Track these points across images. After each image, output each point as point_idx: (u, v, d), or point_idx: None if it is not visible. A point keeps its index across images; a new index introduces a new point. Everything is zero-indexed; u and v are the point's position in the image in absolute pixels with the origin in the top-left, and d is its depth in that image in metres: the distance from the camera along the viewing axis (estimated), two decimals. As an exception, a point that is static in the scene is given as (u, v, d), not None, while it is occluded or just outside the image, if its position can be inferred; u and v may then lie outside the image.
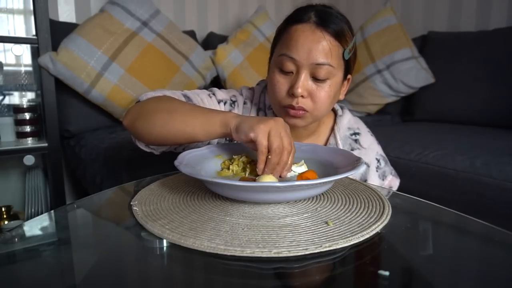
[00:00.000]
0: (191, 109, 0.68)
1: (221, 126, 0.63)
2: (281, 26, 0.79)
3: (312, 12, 0.74)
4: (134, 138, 0.76)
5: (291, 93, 0.73)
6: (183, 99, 0.79)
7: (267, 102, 0.87)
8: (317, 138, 0.87)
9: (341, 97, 0.81)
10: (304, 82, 0.72)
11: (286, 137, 0.58)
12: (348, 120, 0.88)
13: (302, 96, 0.73)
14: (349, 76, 0.80)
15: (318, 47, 0.71)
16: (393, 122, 2.01)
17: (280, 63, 0.74)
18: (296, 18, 0.75)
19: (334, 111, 0.91)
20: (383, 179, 0.86)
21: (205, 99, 0.83)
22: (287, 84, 0.74)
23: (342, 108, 0.91)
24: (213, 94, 0.85)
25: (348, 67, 0.78)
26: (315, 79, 0.73)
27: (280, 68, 0.75)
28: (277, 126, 0.58)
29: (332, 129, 0.87)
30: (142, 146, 0.76)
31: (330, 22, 0.72)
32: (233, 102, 0.87)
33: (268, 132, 0.57)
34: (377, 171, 0.85)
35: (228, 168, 0.63)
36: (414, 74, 1.88)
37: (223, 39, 2.04)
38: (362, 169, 0.79)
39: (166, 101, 0.71)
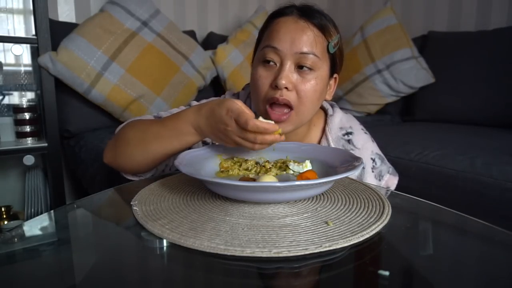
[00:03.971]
0: (160, 129, 0.68)
1: (194, 135, 0.66)
2: (262, 26, 0.78)
3: (294, 7, 0.74)
4: (121, 172, 0.75)
5: (275, 85, 0.69)
6: None
7: (253, 107, 0.85)
8: (309, 141, 0.84)
9: (328, 97, 0.79)
10: (288, 73, 0.69)
11: (248, 134, 0.58)
12: (339, 119, 0.85)
13: (287, 89, 0.69)
14: (335, 75, 0.79)
15: (302, 36, 0.69)
16: (393, 122, 2.01)
17: (263, 55, 0.72)
18: (278, 13, 0.75)
19: (324, 110, 0.88)
20: (379, 179, 0.83)
21: None
22: (270, 77, 0.71)
23: (332, 106, 0.88)
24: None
25: (334, 64, 0.76)
26: (300, 70, 0.70)
27: (263, 61, 0.72)
28: (232, 133, 0.60)
29: (324, 131, 0.84)
30: (130, 177, 0.75)
31: (312, 15, 0.72)
32: None
33: (233, 142, 0.61)
34: (373, 172, 0.83)
35: (227, 168, 0.63)
36: (414, 74, 1.88)
37: (223, 39, 2.04)
38: (361, 168, 0.78)
39: (136, 128, 0.71)
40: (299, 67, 0.70)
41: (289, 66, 0.70)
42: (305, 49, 0.69)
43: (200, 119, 0.64)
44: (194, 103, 0.86)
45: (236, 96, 0.89)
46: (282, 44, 0.70)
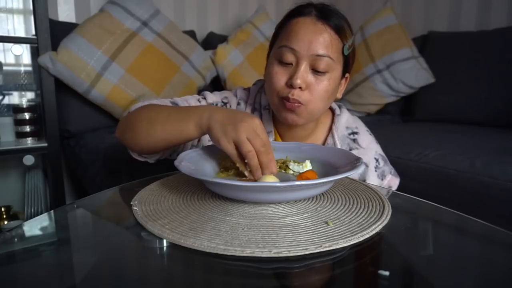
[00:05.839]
0: (168, 115, 0.66)
1: (196, 131, 0.62)
2: (280, 22, 0.79)
3: (312, 7, 0.75)
4: (128, 149, 0.76)
5: (290, 84, 0.73)
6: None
7: (263, 102, 0.86)
8: (315, 138, 0.86)
9: (339, 95, 0.81)
10: (304, 73, 0.72)
11: (257, 139, 0.55)
12: (346, 119, 0.88)
13: (300, 88, 0.72)
14: (347, 74, 0.81)
15: (319, 39, 0.71)
16: (393, 122, 2.01)
17: (280, 54, 0.74)
18: (296, 12, 0.76)
19: (332, 110, 0.90)
20: (382, 179, 0.85)
21: (192, 104, 0.82)
22: (286, 75, 0.74)
23: (340, 107, 0.91)
24: (204, 98, 0.85)
25: (347, 64, 0.78)
26: (315, 71, 0.73)
27: (280, 60, 0.74)
28: (244, 129, 0.55)
29: (330, 129, 0.87)
30: (136, 156, 0.76)
31: (331, 16, 0.74)
32: (225, 104, 0.86)
33: (234, 138, 0.55)
34: (376, 171, 0.85)
35: (227, 168, 0.63)
36: (414, 74, 1.88)
37: (223, 39, 2.04)
38: (361, 169, 0.79)
39: (148, 109, 0.70)
40: (314, 68, 0.73)
41: (304, 66, 0.72)
42: (321, 52, 0.71)
43: (219, 111, 0.61)
44: (207, 93, 0.86)
45: (247, 91, 0.90)
46: (299, 45, 0.72)
